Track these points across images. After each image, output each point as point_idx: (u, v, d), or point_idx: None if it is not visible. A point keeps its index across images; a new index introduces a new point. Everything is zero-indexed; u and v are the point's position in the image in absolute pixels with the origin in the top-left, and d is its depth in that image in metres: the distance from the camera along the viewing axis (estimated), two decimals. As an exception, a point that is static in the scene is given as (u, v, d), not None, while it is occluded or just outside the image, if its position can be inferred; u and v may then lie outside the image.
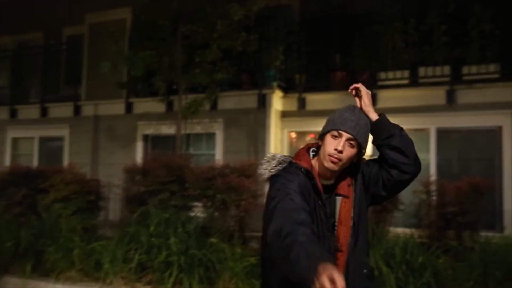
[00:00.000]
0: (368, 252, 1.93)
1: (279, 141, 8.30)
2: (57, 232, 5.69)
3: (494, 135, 7.18)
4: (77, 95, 9.85)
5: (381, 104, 7.65)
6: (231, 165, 6.27)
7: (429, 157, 7.41)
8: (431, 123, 7.42)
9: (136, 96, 9.11)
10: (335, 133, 1.79)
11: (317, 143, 1.91)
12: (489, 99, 7.06)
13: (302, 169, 1.81)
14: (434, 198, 6.52)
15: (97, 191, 6.45)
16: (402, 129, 1.94)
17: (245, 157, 7.49)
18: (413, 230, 6.63)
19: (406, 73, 7.59)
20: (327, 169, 1.80)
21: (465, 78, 7.31)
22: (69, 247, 5.40)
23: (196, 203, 6.30)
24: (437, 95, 7.36)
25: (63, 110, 9.99)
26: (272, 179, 1.84)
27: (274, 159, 1.88)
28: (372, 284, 1.91)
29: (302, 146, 2.05)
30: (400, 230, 6.25)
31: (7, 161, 10.11)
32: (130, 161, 7.86)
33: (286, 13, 8.67)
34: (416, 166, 1.95)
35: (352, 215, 1.85)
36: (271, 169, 1.86)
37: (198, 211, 6.25)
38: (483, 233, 5.77)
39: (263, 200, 6.02)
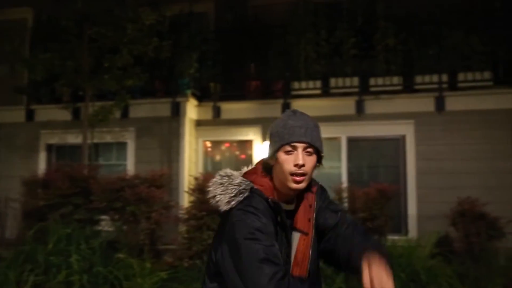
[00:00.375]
0: None
1: (193, 150, 8.11)
2: None
3: (398, 143, 7.59)
4: (-30, 101, 8.90)
5: (295, 114, 7.78)
6: (141, 175, 5.97)
7: (341, 165, 7.65)
8: (342, 132, 7.67)
9: (39, 103, 8.44)
10: (288, 147, 1.52)
11: (268, 164, 1.62)
12: (394, 109, 7.46)
13: (269, 201, 1.53)
14: (346, 204, 6.72)
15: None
16: None
17: (159, 167, 7.22)
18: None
19: (318, 83, 7.81)
20: (292, 190, 1.54)
21: (372, 89, 7.67)
22: None
23: (103, 217, 5.90)
24: (347, 105, 7.64)
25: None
26: (232, 213, 1.51)
27: (232, 184, 1.55)
28: None
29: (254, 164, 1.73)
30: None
31: None
32: (32, 173, 7.23)
33: (201, 21, 8.56)
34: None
35: (309, 259, 1.59)
36: (230, 199, 1.52)
37: (106, 225, 5.86)
38: (391, 237, 6.03)
39: (176, 211, 5.78)
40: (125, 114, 7.89)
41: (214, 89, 8.00)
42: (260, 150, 7.85)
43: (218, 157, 8.49)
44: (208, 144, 8.43)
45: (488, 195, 6.44)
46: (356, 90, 7.62)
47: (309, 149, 1.52)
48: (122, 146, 8.13)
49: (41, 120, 8.50)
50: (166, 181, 6.25)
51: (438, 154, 7.25)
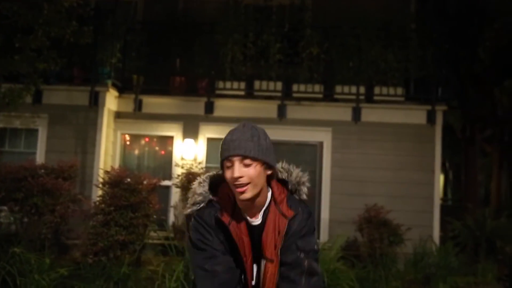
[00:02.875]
0: None
1: (111, 143, 7.82)
2: None
3: (316, 149, 7.84)
4: None
5: (218, 113, 7.79)
6: (48, 165, 5.63)
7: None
8: (263, 135, 7.76)
9: None
10: (227, 163, 1.57)
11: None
12: (314, 116, 7.71)
13: (216, 216, 1.61)
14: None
15: None
16: None
17: (73, 157, 6.85)
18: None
19: (242, 85, 7.85)
20: (241, 201, 1.58)
21: (294, 95, 7.86)
22: None
23: (1, 207, 5.49)
24: (270, 108, 7.77)
25: None
26: (188, 219, 1.68)
27: (195, 192, 1.66)
28: None
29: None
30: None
31: None
32: None
33: (129, 10, 8.29)
34: None
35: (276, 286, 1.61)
36: (189, 206, 1.65)
37: (3, 217, 5.46)
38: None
39: (85, 205, 5.46)
40: (37, 99, 7.41)
41: (136, 81, 7.76)
42: (180, 146, 7.75)
43: (137, 151, 8.26)
44: (127, 137, 8.17)
45: (393, 203, 6.86)
46: (279, 94, 7.77)
47: (245, 161, 1.54)
48: (32, 133, 7.63)
49: None
50: (76, 173, 5.95)
51: (352, 162, 7.59)
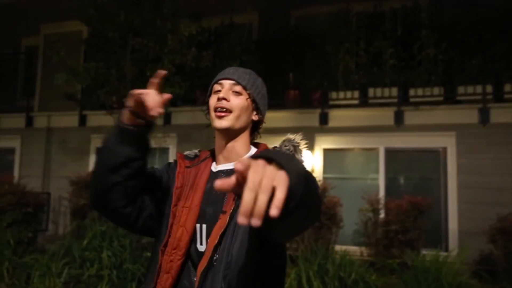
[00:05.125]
0: None
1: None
2: (-10, 244, 5.50)
3: (439, 155, 7.37)
4: (30, 107, 9.67)
5: (332, 123, 7.80)
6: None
7: (378, 176, 7.54)
8: (380, 143, 7.57)
9: (91, 109, 9.01)
10: (217, 87, 1.49)
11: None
12: (434, 120, 7.27)
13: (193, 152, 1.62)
14: (381, 216, 6.63)
15: (36, 203, 6.26)
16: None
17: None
18: (362, 248, 6.73)
19: (356, 94, 7.76)
20: (219, 130, 1.46)
21: (411, 100, 7.52)
22: (-1, 260, 5.22)
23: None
24: (386, 115, 7.54)
25: (15, 121, 9.78)
26: None
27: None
28: None
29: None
30: (350, 248, 6.31)
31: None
32: (79, 174, 7.72)
33: (243, 31, 8.79)
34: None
35: (216, 241, 1.29)
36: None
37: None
38: (428, 252, 5.84)
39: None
40: (167, 120, 8.24)
41: (253, 98, 8.14)
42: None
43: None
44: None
45: (532, 212, 6.12)
46: (395, 100, 7.51)
47: (236, 87, 1.47)
48: (164, 151, 8.48)
49: (92, 125, 9.07)
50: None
51: (480, 168, 6.97)
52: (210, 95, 1.53)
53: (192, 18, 6.96)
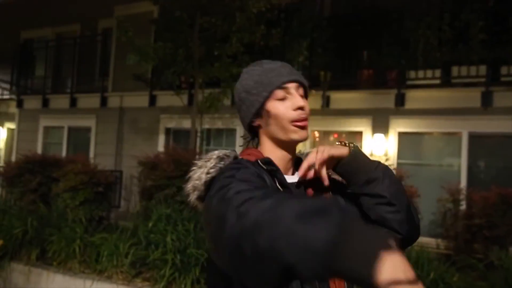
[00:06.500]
0: None
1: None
2: (63, 222, 5.69)
3: (533, 142, 6.57)
4: (104, 87, 9.95)
5: (409, 105, 7.22)
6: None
7: (460, 163, 6.89)
8: (464, 127, 6.90)
9: (160, 89, 9.08)
10: (280, 92, 1.20)
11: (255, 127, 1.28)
12: (530, 103, 6.46)
13: (259, 160, 1.18)
14: (462, 207, 6.06)
15: (106, 182, 6.39)
16: (386, 167, 1.26)
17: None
18: (439, 240, 6.21)
19: (437, 73, 7.09)
20: (296, 142, 1.23)
21: (503, 79, 6.73)
22: (71, 238, 5.37)
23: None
24: (471, 97, 6.82)
25: (91, 101, 10.13)
26: (212, 184, 1.08)
27: (208, 158, 1.17)
28: None
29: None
30: (424, 239, 5.83)
31: (39, 149, 10.37)
32: (152, 153, 7.82)
33: (313, 8, 8.33)
34: (410, 224, 1.23)
35: None
36: (210, 169, 1.13)
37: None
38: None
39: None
40: (234, 101, 8.08)
41: (324, 78, 7.75)
42: (370, 142, 7.44)
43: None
44: (316, 134, 8.24)
45: None
46: (483, 80, 6.75)
47: (300, 90, 1.24)
48: (231, 132, 8.37)
49: (161, 105, 9.15)
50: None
51: None
52: (264, 102, 1.22)
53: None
